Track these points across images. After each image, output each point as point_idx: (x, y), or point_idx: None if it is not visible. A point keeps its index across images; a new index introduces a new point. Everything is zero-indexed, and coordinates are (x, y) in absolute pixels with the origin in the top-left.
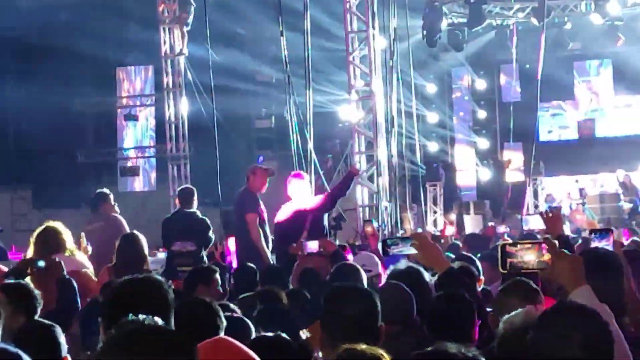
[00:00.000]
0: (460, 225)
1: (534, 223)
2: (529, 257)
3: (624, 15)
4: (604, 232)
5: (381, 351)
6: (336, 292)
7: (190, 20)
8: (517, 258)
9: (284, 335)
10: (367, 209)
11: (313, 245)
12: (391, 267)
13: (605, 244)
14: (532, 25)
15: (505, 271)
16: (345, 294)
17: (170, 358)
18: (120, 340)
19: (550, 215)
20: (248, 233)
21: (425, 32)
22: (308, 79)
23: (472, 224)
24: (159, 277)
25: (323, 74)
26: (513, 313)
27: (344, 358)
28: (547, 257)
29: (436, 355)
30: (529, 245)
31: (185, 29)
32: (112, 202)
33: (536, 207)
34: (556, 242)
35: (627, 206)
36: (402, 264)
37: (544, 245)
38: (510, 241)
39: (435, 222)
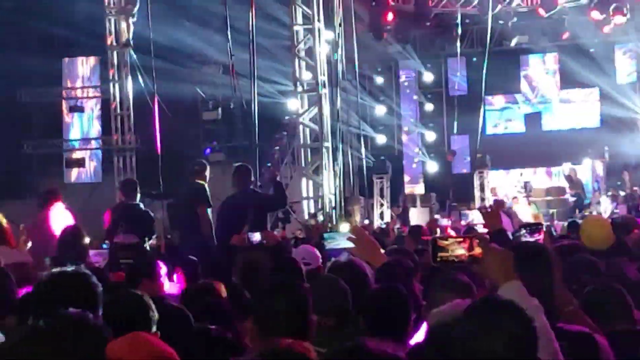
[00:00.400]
0: (405, 218)
1: (475, 217)
2: (459, 251)
3: (569, 9)
4: (534, 227)
5: (308, 345)
6: (266, 286)
7: (135, 11)
8: (448, 252)
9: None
10: (311, 201)
11: (256, 237)
12: (333, 260)
13: (537, 238)
14: (478, 18)
15: (436, 264)
16: (274, 288)
17: (80, 351)
18: (27, 334)
19: (489, 210)
20: (197, 225)
21: (372, 25)
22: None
23: (418, 216)
24: (87, 271)
25: (272, 63)
26: (440, 307)
27: (266, 354)
28: (478, 251)
29: (353, 354)
30: (460, 240)
31: (131, 20)
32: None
33: (482, 199)
34: (487, 236)
35: (572, 200)
36: (344, 257)
37: (475, 239)
38: (440, 235)
39: (382, 215)
